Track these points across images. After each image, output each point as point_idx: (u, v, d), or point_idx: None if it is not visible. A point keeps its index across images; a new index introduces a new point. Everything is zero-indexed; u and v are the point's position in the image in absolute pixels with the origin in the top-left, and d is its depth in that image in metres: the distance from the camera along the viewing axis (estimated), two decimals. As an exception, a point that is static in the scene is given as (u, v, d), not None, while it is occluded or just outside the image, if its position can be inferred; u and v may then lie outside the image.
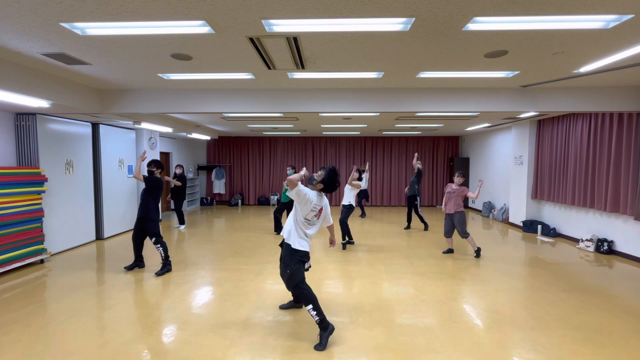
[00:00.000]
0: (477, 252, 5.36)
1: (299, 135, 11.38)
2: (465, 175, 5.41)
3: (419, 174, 7.39)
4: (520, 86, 4.86)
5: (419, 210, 7.51)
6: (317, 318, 2.77)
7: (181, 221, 7.85)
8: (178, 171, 7.80)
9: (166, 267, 4.57)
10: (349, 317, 3.30)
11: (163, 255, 4.57)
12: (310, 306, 2.78)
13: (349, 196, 5.92)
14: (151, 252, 5.49)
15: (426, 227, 7.52)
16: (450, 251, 5.58)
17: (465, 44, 3.18)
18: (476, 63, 3.77)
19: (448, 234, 5.48)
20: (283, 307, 3.47)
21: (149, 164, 4.62)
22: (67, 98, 4.43)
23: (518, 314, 3.37)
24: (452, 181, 5.54)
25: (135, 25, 2.75)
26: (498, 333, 2.99)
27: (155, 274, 4.47)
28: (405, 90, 5.03)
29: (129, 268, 4.67)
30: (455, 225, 5.34)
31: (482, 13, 2.54)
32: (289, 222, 2.97)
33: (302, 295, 2.83)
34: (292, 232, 2.91)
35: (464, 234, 5.32)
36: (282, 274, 2.97)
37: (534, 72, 4.10)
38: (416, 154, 7.84)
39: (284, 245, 2.97)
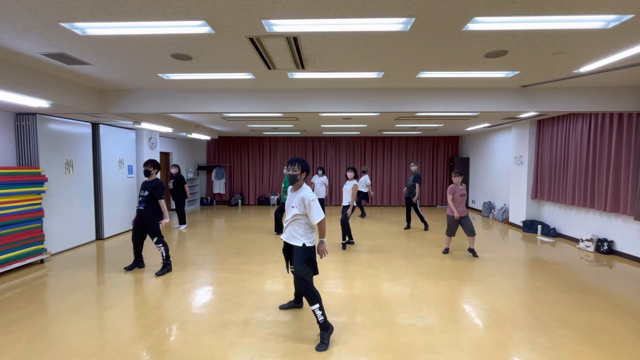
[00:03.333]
0: (474, 252, 5.42)
1: (299, 135, 11.38)
2: (463, 173, 5.34)
3: (418, 178, 7.35)
4: (520, 86, 4.86)
5: (419, 209, 7.49)
6: (322, 318, 2.79)
7: (182, 221, 7.84)
8: (174, 171, 7.70)
9: (166, 267, 4.57)
10: (349, 317, 3.30)
11: (164, 255, 4.57)
12: (317, 305, 2.80)
13: (348, 196, 5.90)
14: (151, 253, 5.49)
15: (426, 227, 7.51)
16: (447, 251, 5.59)
17: (465, 44, 3.18)
18: (476, 63, 3.77)
19: (454, 232, 5.49)
20: (283, 307, 3.47)
21: (146, 164, 4.55)
22: (67, 98, 4.43)
23: (518, 314, 3.37)
24: (451, 182, 5.50)
25: (135, 25, 2.75)
26: (498, 333, 2.99)
27: (156, 274, 4.47)
28: (405, 90, 5.03)
29: (129, 268, 4.66)
30: (467, 224, 5.33)
31: (482, 13, 2.54)
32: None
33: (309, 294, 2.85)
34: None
35: (474, 232, 5.39)
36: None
37: (534, 72, 4.10)
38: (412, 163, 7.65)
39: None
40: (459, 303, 3.63)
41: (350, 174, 5.91)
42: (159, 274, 4.47)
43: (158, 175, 4.69)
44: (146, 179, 4.59)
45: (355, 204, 5.88)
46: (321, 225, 2.91)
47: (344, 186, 5.96)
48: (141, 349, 2.72)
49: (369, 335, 2.96)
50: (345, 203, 5.92)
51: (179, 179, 7.67)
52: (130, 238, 4.62)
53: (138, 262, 4.72)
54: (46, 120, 5.36)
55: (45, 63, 3.74)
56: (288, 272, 3.25)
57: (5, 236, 4.53)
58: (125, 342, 2.83)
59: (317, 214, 2.85)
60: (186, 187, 7.69)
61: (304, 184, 3.00)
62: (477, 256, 5.37)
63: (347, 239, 6.02)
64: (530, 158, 7.56)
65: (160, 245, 4.55)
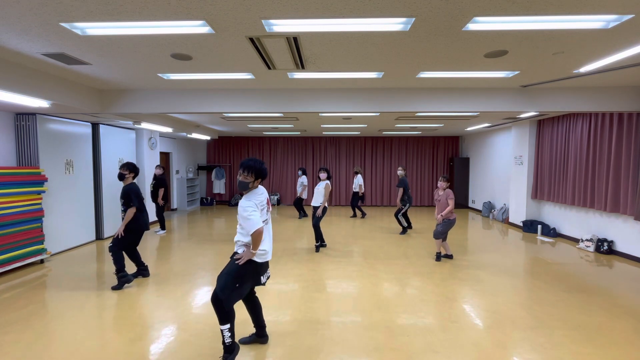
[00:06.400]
0: (438, 256, 5.20)
1: (299, 135, 11.38)
2: (450, 179, 5.00)
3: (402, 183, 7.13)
4: (520, 86, 4.86)
5: (405, 213, 7.20)
6: (229, 340, 2.48)
7: (162, 226, 7.29)
8: (158, 172, 7.13)
9: (120, 281, 4.04)
10: (349, 317, 3.30)
11: (115, 267, 4.04)
12: (227, 326, 2.46)
13: (320, 197, 5.65)
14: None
15: (404, 231, 7.20)
16: (443, 256, 5.31)
17: (465, 44, 3.18)
18: (476, 63, 3.77)
19: (436, 235, 5.20)
20: (243, 341, 2.83)
21: (122, 167, 4.17)
22: (67, 98, 4.43)
23: (518, 314, 3.37)
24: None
25: (135, 25, 2.75)
26: (498, 333, 2.99)
27: (111, 287, 4.05)
28: (405, 90, 5.03)
29: (133, 276, 4.27)
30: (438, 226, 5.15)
31: (482, 13, 2.54)
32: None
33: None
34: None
35: (435, 234, 5.16)
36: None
37: (534, 72, 4.10)
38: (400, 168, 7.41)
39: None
40: (458, 303, 3.63)
41: (322, 175, 5.77)
42: (114, 288, 4.01)
43: (136, 180, 4.32)
44: (121, 182, 4.19)
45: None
46: (254, 236, 2.41)
47: (316, 187, 5.77)
48: (141, 349, 2.72)
49: (369, 335, 2.96)
50: (315, 204, 5.70)
51: (159, 182, 7.07)
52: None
53: (142, 271, 4.40)
54: (46, 120, 5.36)
55: (45, 63, 3.74)
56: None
57: (5, 236, 4.53)
58: (125, 342, 2.83)
59: (251, 225, 2.40)
60: (161, 191, 7.00)
61: (259, 187, 2.61)
62: (437, 260, 5.17)
63: (319, 242, 5.83)
64: (530, 158, 7.56)
65: (111, 254, 4.01)
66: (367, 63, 3.78)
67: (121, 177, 4.17)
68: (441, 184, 5.15)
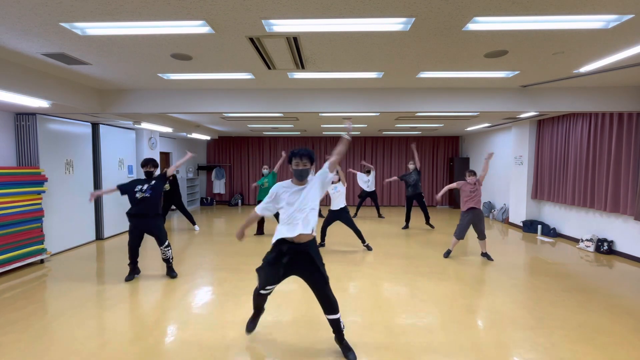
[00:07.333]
0: (488, 255, 5.22)
1: (299, 135, 11.38)
2: (451, 179, 5.24)
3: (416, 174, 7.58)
4: (520, 86, 4.86)
5: (411, 208, 7.74)
6: (344, 327, 2.64)
7: (193, 221, 7.50)
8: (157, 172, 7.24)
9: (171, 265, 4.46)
10: (350, 317, 3.29)
11: (172, 256, 4.41)
12: (339, 314, 2.58)
13: (342, 199, 5.71)
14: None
15: (430, 224, 7.78)
16: (449, 253, 5.37)
17: (465, 44, 3.18)
18: (476, 63, 3.77)
19: (463, 234, 5.14)
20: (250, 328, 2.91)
21: (145, 164, 4.23)
22: (67, 98, 4.43)
23: (518, 314, 3.37)
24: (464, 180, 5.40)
25: (135, 25, 2.75)
26: (498, 333, 2.99)
27: (172, 276, 4.35)
28: (405, 90, 5.03)
29: (129, 279, 4.27)
30: (478, 224, 5.06)
31: (482, 13, 2.54)
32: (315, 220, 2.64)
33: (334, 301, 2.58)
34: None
35: (482, 235, 5.15)
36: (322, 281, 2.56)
37: (534, 72, 4.10)
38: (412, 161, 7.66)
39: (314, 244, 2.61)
40: (459, 303, 3.63)
41: (335, 177, 5.80)
42: (175, 275, 4.38)
43: (135, 177, 4.44)
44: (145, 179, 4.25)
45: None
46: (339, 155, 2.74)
47: (335, 190, 5.70)
48: (141, 349, 2.72)
49: (369, 335, 2.96)
50: (341, 205, 5.67)
51: (175, 180, 7.20)
52: (128, 244, 4.28)
53: (135, 268, 4.40)
54: (46, 120, 5.36)
55: (45, 63, 3.74)
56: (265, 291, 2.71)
57: (5, 236, 4.52)
58: (125, 342, 2.83)
59: (329, 167, 2.71)
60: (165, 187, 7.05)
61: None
62: (492, 259, 5.15)
63: (365, 242, 5.84)
64: (530, 158, 7.56)
65: (169, 248, 4.33)
66: (367, 63, 3.78)
67: (149, 175, 4.28)
68: (471, 178, 5.24)
